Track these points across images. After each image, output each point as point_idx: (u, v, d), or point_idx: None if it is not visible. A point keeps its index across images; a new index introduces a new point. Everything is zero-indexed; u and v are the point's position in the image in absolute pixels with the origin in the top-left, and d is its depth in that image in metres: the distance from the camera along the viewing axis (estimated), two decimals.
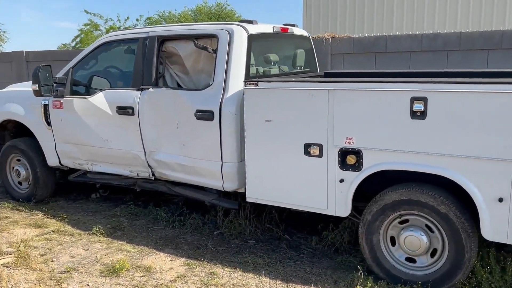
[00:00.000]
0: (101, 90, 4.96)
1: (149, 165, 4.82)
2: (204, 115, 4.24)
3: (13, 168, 5.88)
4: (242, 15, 38.10)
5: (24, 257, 4.15)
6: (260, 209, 4.84)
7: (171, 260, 4.19)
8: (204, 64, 4.57)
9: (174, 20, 34.89)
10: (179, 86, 4.75)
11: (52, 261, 4.17)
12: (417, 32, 6.31)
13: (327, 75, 5.31)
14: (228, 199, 4.60)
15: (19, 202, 5.72)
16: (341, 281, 3.75)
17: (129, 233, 4.80)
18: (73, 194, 6.15)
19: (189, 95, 4.41)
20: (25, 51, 9.66)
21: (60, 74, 5.26)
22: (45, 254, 4.30)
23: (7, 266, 4.05)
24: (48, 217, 5.26)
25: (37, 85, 4.85)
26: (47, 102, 5.27)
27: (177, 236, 4.74)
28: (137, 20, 39.35)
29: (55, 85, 5.02)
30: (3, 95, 5.83)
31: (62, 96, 5.09)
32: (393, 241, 3.67)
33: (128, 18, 40.77)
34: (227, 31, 4.25)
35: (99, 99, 4.91)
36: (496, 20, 10.67)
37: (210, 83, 4.28)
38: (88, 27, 23.28)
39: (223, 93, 4.17)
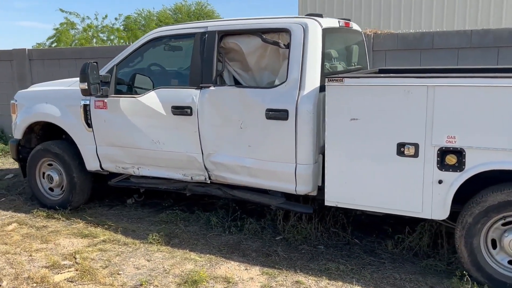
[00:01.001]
0: (152, 89, 4.64)
1: (205, 168, 4.54)
2: (277, 114, 4.00)
3: (43, 173, 5.48)
4: (221, 15, 37.84)
5: (88, 270, 3.82)
6: (322, 212, 4.63)
7: (246, 269, 3.93)
8: (269, 61, 4.33)
9: (152, 19, 34.35)
10: (237, 84, 4.48)
11: (118, 273, 3.85)
12: (467, 28, 6.20)
13: (382, 71, 5.12)
14: (297, 202, 4.36)
15: (51, 209, 5.33)
16: (437, 286, 3.57)
17: (187, 241, 4.51)
18: (106, 199, 5.79)
19: (258, 93, 4.16)
20: (28, 49, 9.16)
21: (102, 72, 4.90)
22: (107, 267, 3.97)
23: (71, 281, 3.71)
24: (91, 226, 4.90)
25: (86, 84, 4.49)
26: (87, 102, 4.91)
27: (238, 243, 4.47)
28: (116, 19, 38.56)
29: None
30: (32, 95, 5.43)
31: (106, 96, 4.75)
32: (493, 244, 3.52)
33: (106, 16, 39.97)
34: (301, 25, 4.02)
35: (150, 98, 4.60)
36: None
37: (283, 80, 4.03)
38: (64, 26, 22.52)
39: (299, 90, 3.93)
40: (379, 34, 6.02)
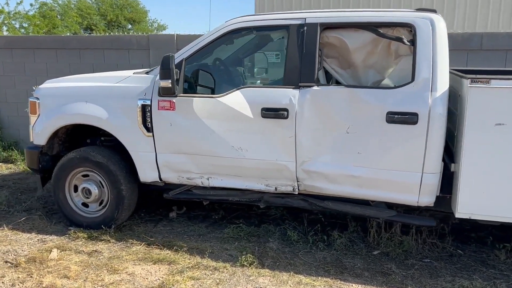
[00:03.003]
0: (236, 88, 4.01)
1: (296, 177, 4.02)
2: (404, 118, 3.59)
3: (75, 186, 4.58)
4: (147, 7, 36.31)
5: None
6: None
7: None
8: (378, 58, 3.91)
9: (71, 8, 31.95)
10: (336, 83, 4.02)
11: None
12: None
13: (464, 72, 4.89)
14: (408, 214, 4.00)
15: (86, 229, 4.47)
16: None
17: (281, 260, 3.97)
18: (140, 213, 5.01)
19: (375, 94, 3.73)
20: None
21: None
22: None
23: None
24: (155, 247, 4.16)
25: (170, 81, 3.75)
26: (147, 102, 4.15)
27: (338, 260, 4.02)
28: (31, 5, 35.38)
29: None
30: (63, 93, 4.50)
31: (174, 95, 4.03)
32: None
33: (21, 1, 36.52)
34: (427, 20, 3.65)
35: (234, 99, 3.97)
36: None
37: (408, 81, 3.64)
38: None
39: (431, 91, 3.57)
40: None
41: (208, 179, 4.24)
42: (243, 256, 3.91)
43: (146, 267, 3.80)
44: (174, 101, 4.08)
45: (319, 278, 3.69)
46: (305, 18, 3.91)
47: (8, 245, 4.18)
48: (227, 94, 4.00)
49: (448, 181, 3.68)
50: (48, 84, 4.67)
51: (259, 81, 4.24)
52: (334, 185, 3.95)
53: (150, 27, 43.82)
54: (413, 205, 3.77)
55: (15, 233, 4.47)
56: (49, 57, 7.45)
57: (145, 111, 4.16)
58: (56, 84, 4.66)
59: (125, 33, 30.21)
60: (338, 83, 4.08)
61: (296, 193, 4.12)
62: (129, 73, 4.75)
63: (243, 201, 4.36)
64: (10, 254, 4.00)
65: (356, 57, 3.91)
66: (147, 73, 4.46)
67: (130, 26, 40.32)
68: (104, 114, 4.27)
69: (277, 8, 13.57)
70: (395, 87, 3.70)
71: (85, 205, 4.60)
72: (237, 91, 3.99)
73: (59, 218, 4.78)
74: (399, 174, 3.71)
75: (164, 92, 3.83)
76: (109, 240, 4.27)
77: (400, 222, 4.02)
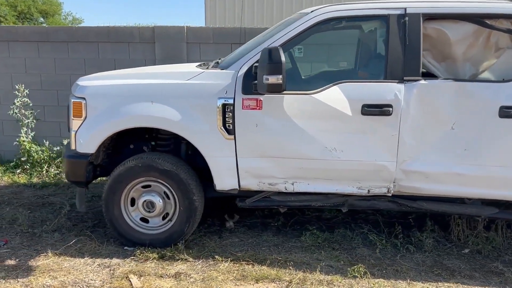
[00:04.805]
0: (332, 83, 3.67)
1: (394, 178, 3.78)
2: None
3: (132, 199, 3.97)
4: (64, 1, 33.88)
5: None
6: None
7: None
8: (477, 50, 3.77)
9: None
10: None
11: None
12: None
13: None
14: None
15: (149, 247, 3.90)
16: None
17: (387, 268, 3.72)
18: None
19: (487, 88, 3.59)
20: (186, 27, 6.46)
21: (246, 61, 3.72)
22: None
23: None
24: (244, 263, 3.71)
25: (281, 77, 3.31)
26: (229, 101, 3.68)
27: (438, 262, 3.86)
28: None
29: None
30: (119, 91, 3.85)
31: (258, 92, 3.60)
32: None
33: None
34: None
35: (331, 95, 3.63)
36: None
37: None
38: None
39: None
40: None
41: (293, 184, 3.86)
42: (354, 267, 3.60)
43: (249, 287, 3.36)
44: (261, 99, 3.65)
45: (439, 283, 3.50)
46: (405, 8, 3.67)
47: (70, 275, 3.50)
48: (323, 90, 3.65)
49: None
50: (94, 82, 3.98)
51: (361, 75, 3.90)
52: (434, 184, 3.76)
53: (64, 20, 41.13)
54: None
55: (64, 259, 3.77)
56: (29, 50, 6.51)
57: (225, 111, 3.68)
58: (105, 81, 3.98)
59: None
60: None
61: (390, 194, 3.88)
62: (190, 67, 4.23)
63: (327, 205, 4.04)
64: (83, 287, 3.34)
65: (456, 50, 3.75)
66: (213, 66, 3.98)
67: (42, 19, 37.55)
68: (176, 116, 3.72)
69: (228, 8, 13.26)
70: (503, 81, 3.59)
71: (144, 220, 4.00)
72: (335, 87, 3.65)
73: (104, 237, 4.14)
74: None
75: (271, 89, 3.38)
76: (186, 259, 3.74)
77: (503, 219, 3.94)
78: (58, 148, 6.21)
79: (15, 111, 6.13)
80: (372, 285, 3.44)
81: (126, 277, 3.46)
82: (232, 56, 4.17)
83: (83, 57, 6.44)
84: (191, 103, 3.73)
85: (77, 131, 3.88)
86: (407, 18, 3.63)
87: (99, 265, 3.67)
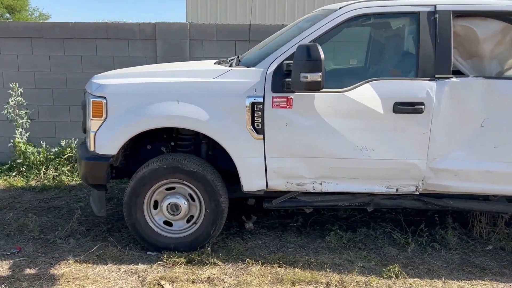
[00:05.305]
0: (364, 81, 3.62)
1: (423, 176, 3.77)
2: None
3: (155, 202, 3.83)
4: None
5: None
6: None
7: None
8: (504, 48, 3.79)
9: None
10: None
11: None
12: None
13: None
14: None
15: (173, 251, 3.77)
16: None
17: (419, 267, 3.71)
18: None
19: None
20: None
21: (275, 58, 3.63)
22: None
23: None
24: (276, 266, 3.62)
25: (319, 74, 3.23)
26: (259, 100, 3.58)
27: (466, 260, 3.88)
28: None
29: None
30: (143, 90, 3.69)
31: (291, 90, 3.52)
32: None
33: None
34: None
35: (363, 93, 3.58)
36: None
37: None
38: None
39: None
40: None
41: (321, 184, 3.79)
42: (388, 267, 3.56)
43: None
44: (292, 97, 3.56)
45: (473, 282, 3.50)
46: (435, 5, 3.65)
47: (97, 283, 3.33)
48: (355, 87, 3.59)
49: None
50: (114, 80, 3.81)
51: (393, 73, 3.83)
52: (463, 182, 3.77)
53: (30, 16, 39.88)
54: None
55: (86, 266, 3.59)
56: (21, 47, 6.21)
57: (254, 110, 3.58)
58: (126, 80, 3.81)
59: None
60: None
61: (418, 193, 3.86)
62: (209, 64, 4.11)
63: (353, 205, 3.99)
64: None
65: (484, 47, 3.76)
66: (236, 64, 3.87)
67: (8, 15, 36.28)
68: (204, 115, 3.59)
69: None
70: None
71: (167, 223, 3.86)
72: (366, 84, 3.60)
73: (123, 242, 3.98)
74: None
75: (309, 87, 3.29)
76: (215, 263, 3.62)
77: None
78: (56, 149, 5.95)
79: (9, 110, 5.84)
80: (409, 285, 3.42)
81: (159, 284, 3.33)
82: (255, 53, 4.08)
83: (80, 54, 6.20)
84: (219, 102, 3.61)
85: (96, 132, 3.69)
86: (437, 15, 3.61)
87: (125, 271, 3.52)
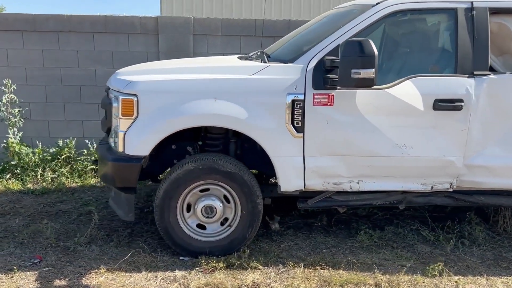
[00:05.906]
0: (405, 77, 3.57)
1: (458, 173, 3.77)
2: None
3: (188, 205, 3.65)
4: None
5: None
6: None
7: None
8: None
9: None
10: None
11: None
12: None
13: None
14: None
15: (209, 255, 3.62)
16: None
17: (457, 264, 3.71)
18: None
19: None
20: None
21: (315, 54, 3.52)
22: None
23: None
24: (319, 268, 3.52)
25: (372, 70, 3.14)
26: (300, 97, 3.46)
27: (499, 255, 3.92)
28: None
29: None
30: (178, 87, 3.49)
31: (334, 87, 3.44)
32: None
33: None
34: None
35: (404, 89, 3.54)
36: None
37: None
38: None
39: None
40: None
41: (358, 182, 3.73)
42: (432, 266, 3.54)
43: None
44: (333, 94, 3.47)
45: None
46: (472, 2, 3.64)
47: None
48: (396, 84, 3.54)
49: None
50: (144, 77, 3.59)
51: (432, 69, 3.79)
52: (496, 178, 3.79)
53: None
54: None
55: (121, 275, 3.37)
56: (12, 41, 5.83)
57: (294, 107, 3.46)
58: (157, 76, 3.60)
59: None
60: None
61: (451, 190, 3.85)
62: (233, 59, 3.98)
63: (387, 203, 3.94)
64: None
65: None
66: (265, 59, 3.74)
67: None
68: (242, 113, 3.44)
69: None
70: None
71: (200, 226, 3.70)
72: (408, 81, 3.55)
73: (149, 247, 3.77)
74: None
75: (362, 84, 3.20)
76: (256, 267, 3.49)
77: None
78: (53, 150, 5.63)
79: (2, 109, 5.47)
80: (454, 283, 3.40)
81: None
82: (286, 49, 3.98)
83: (76, 49, 5.87)
84: (257, 100, 3.47)
85: (126, 131, 3.47)
86: (474, 12, 3.60)
87: (163, 279, 3.33)
